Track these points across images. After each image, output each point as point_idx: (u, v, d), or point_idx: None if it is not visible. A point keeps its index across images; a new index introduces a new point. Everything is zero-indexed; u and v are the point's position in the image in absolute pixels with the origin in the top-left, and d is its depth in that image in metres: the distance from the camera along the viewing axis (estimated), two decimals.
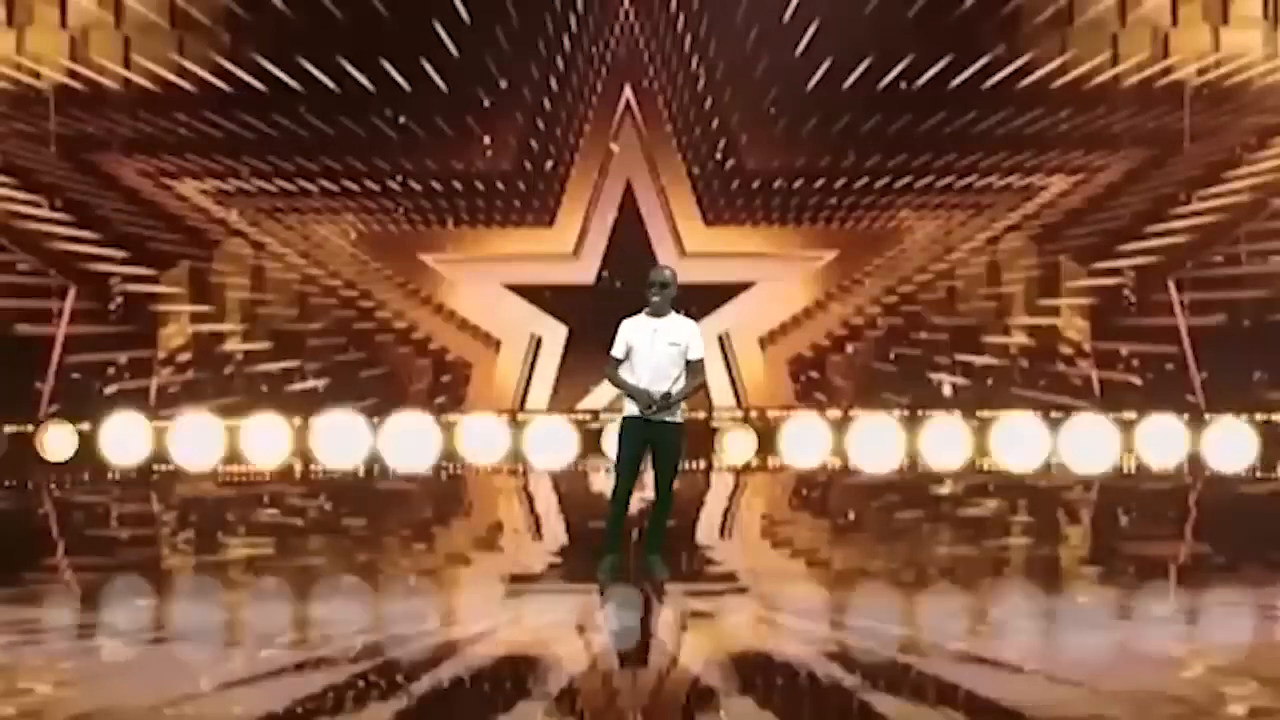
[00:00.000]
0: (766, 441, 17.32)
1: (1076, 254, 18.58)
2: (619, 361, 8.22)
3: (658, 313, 8.23)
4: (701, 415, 18.51)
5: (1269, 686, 5.86)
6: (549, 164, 18.74)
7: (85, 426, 16.93)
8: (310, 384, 18.59)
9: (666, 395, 8.03)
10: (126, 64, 18.01)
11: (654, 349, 8.14)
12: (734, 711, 5.55)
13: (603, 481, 13.77)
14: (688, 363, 8.20)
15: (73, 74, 17.95)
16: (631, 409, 8.18)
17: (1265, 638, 7.10)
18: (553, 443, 16.95)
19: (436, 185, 18.59)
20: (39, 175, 18.01)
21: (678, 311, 8.30)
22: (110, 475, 16.13)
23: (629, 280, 16.47)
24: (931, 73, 18.02)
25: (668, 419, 8.17)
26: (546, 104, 18.62)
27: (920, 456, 16.67)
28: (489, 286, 18.89)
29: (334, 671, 6.11)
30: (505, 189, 18.69)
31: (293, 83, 17.91)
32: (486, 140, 18.57)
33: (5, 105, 17.91)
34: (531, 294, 18.84)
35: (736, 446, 17.36)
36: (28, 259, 17.79)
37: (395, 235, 18.75)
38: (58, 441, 16.86)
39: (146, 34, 18.08)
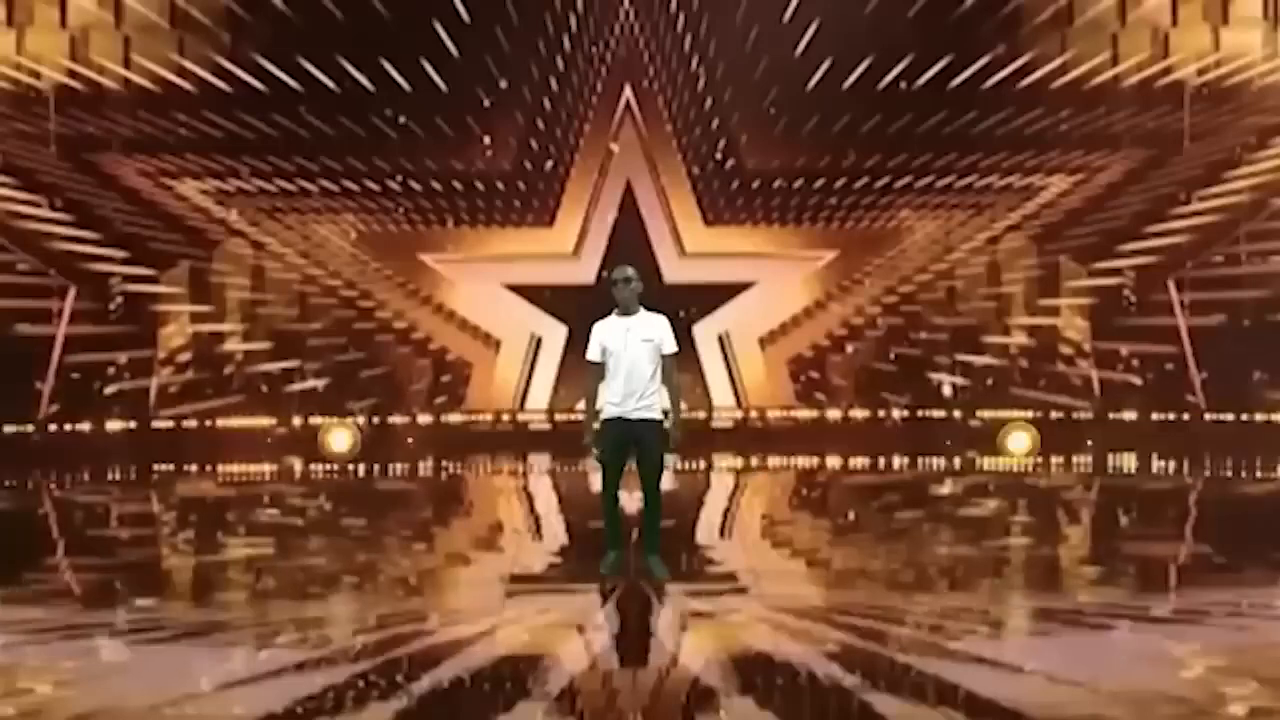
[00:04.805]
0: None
1: (1076, 254, 18.58)
2: (597, 365, 8.21)
3: (627, 310, 8.23)
4: (701, 415, 18.54)
5: (1269, 686, 5.86)
6: (549, 164, 18.75)
7: None
8: (310, 384, 18.60)
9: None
10: (126, 64, 18.01)
11: (629, 348, 8.14)
12: (734, 711, 5.55)
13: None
14: (663, 357, 8.20)
15: (73, 74, 17.95)
16: (610, 410, 8.19)
17: (1265, 638, 7.09)
18: None
19: (436, 185, 18.60)
20: (39, 175, 18.01)
21: (647, 308, 8.29)
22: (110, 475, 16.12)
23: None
24: (931, 73, 18.02)
25: (647, 417, 8.17)
26: (546, 104, 18.63)
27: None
28: (489, 286, 18.89)
29: (334, 671, 6.11)
30: (505, 189, 18.70)
31: (293, 83, 17.91)
32: (486, 140, 18.57)
33: (5, 105, 17.92)
34: (531, 294, 18.84)
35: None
36: (28, 259, 17.79)
37: (395, 235, 18.76)
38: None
39: (146, 34, 18.08)
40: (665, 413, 8.34)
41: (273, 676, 6.06)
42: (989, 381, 18.71)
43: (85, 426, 17.66)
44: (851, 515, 12.71)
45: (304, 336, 18.64)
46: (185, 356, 18.43)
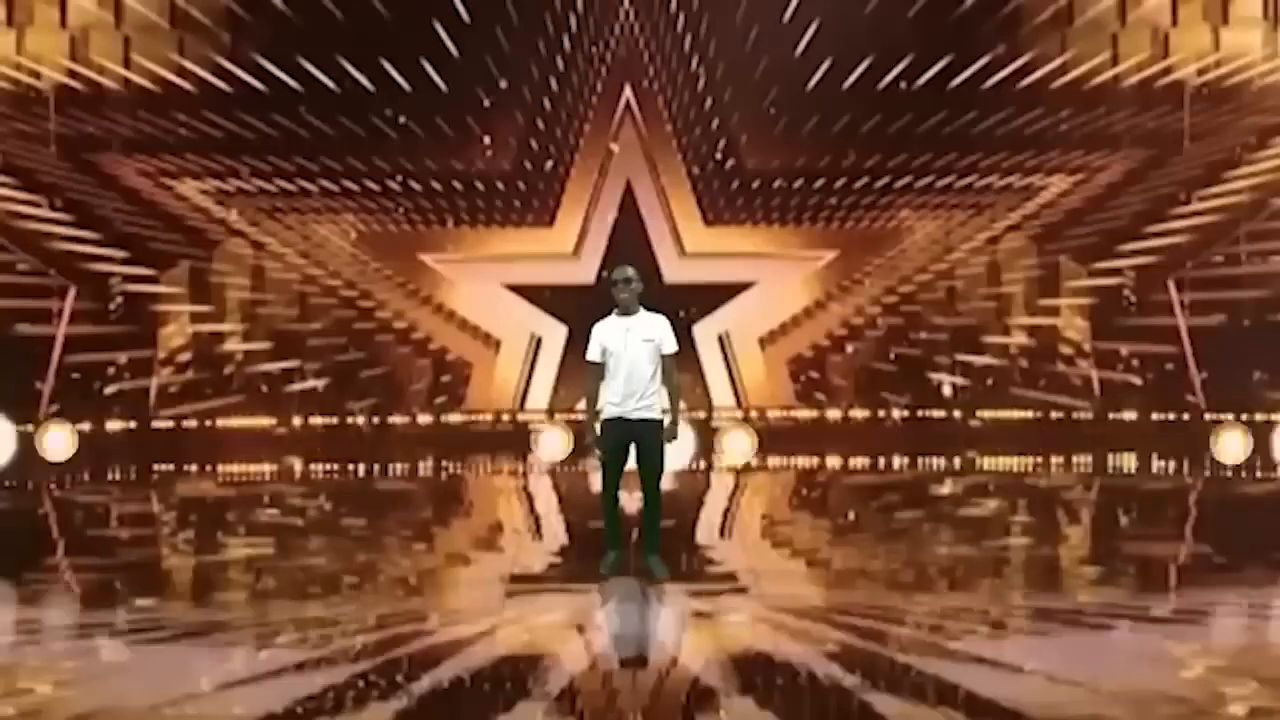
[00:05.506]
0: None
1: (1076, 254, 18.58)
2: (597, 366, 8.23)
3: (627, 311, 8.25)
4: (702, 415, 18.54)
5: (1269, 686, 5.86)
6: (549, 164, 18.74)
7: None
8: (310, 384, 18.60)
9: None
10: (126, 64, 18.01)
11: (629, 348, 8.16)
12: (734, 711, 5.55)
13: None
14: (662, 357, 8.23)
15: (73, 74, 17.95)
16: (611, 410, 8.22)
17: (1265, 638, 7.10)
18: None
19: (436, 185, 18.60)
20: (39, 175, 18.01)
21: (647, 309, 8.31)
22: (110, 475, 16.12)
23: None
24: (931, 73, 18.02)
25: (647, 417, 8.20)
26: (546, 104, 18.63)
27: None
28: (489, 286, 18.89)
29: (334, 671, 6.11)
30: (505, 189, 18.69)
31: (293, 83, 17.91)
32: (486, 140, 18.56)
33: (5, 105, 17.92)
34: (531, 294, 18.84)
35: None
36: (28, 259, 17.79)
37: (395, 235, 18.75)
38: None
39: (146, 34, 18.08)
40: (665, 412, 8.36)
41: (273, 676, 6.06)
42: (989, 381, 18.71)
43: (85, 426, 17.64)
44: (851, 515, 12.72)
45: (304, 336, 18.63)
46: (185, 356, 18.43)
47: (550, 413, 18.73)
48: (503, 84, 18.40)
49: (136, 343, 18.17)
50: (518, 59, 18.32)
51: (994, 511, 12.72)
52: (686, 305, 18.04)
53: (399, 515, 12.57)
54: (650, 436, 8.20)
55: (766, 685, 5.97)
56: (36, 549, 10.51)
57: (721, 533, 11.53)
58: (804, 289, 19.00)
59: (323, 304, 18.75)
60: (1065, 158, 18.56)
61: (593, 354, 8.28)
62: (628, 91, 18.82)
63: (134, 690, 5.81)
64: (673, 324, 8.35)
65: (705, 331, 18.76)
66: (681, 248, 18.77)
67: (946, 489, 14.56)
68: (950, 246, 18.89)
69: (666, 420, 8.35)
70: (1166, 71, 18.31)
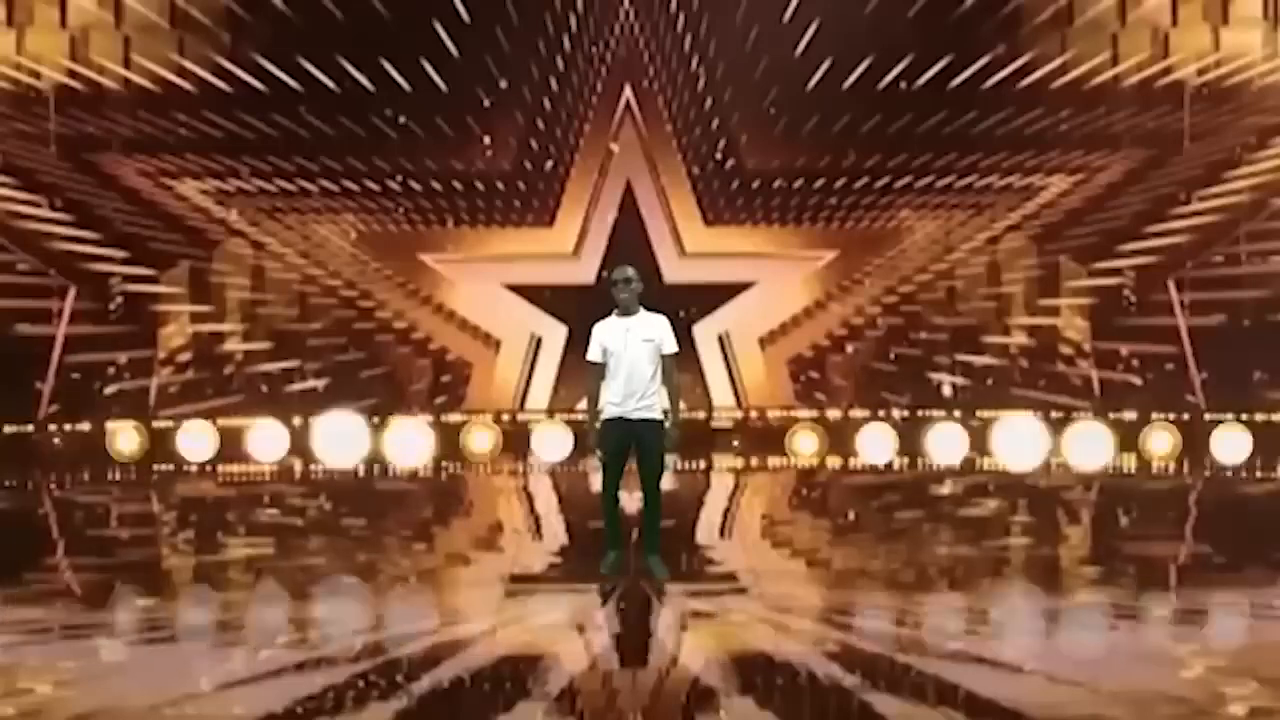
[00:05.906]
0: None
1: (1076, 254, 18.57)
2: (598, 366, 8.24)
3: (627, 311, 8.26)
4: (701, 415, 18.55)
5: (1269, 686, 5.86)
6: (549, 164, 18.73)
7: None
8: (310, 384, 18.60)
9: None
10: (126, 64, 18.01)
11: (629, 348, 8.17)
12: (734, 711, 5.55)
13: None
14: (663, 357, 8.24)
15: (73, 74, 17.94)
16: (611, 410, 8.22)
17: (1265, 638, 7.09)
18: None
19: (436, 185, 18.59)
20: (39, 175, 18.00)
21: (647, 309, 8.32)
22: (110, 475, 16.12)
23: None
24: (931, 73, 18.01)
25: (647, 417, 8.20)
26: (546, 104, 18.62)
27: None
28: (489, 286, 18.89)
29: (334, 671, 6.12)
30: (505, 189, 18.69)
31: (293, 83, 17.90)
32: (486, 140, 18.56)
33: (5, 105, 17.91)
34: (531, 294, 18.84)
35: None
36: (28, 259, 17.78)
37: (395, 235, 18.75)
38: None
39: (146, 34, 18.08)
40: (665, 412, 8.36)
41: (273, 676, 6.06)
42: (989, 381, 18.71)
43: (85, 426, 17.65)
44: (851, 515, 12.72)
45: (304, 336, 18.63)
46: (185, 356, 18.43)
47: (550, 413, 18.73)
48: (503, 84, 18.40)
49: (136, 343, 18.17)
50: (518, 59, 18.32)
51: (994, 511, 12.73)
52: (686, 305, 18.04)
53: (399, 515, 12.58)
54: (650, 436, 8.21)
55: (766, 685, 5.97)
56: (36, 549, 10.52)
57: (721, 533, 11.54)
58: (804, 289, 19.01)
59: (323, 304, 18.75)
60: (1065, 158, 18.56)
61: (593, 354, 8.29)
62: (628, 91, 18.82)
63: (134, 690, 5.81)
64: (673, 324, 8.36)
65: (705, 331, 18.76)
66: (681, 248, 18.77)
67: (946, 489, 14.56)
68: (950, 246, 18.89)
69: (668, 421, 8.36)
70: (1166, 71, 18.30)
